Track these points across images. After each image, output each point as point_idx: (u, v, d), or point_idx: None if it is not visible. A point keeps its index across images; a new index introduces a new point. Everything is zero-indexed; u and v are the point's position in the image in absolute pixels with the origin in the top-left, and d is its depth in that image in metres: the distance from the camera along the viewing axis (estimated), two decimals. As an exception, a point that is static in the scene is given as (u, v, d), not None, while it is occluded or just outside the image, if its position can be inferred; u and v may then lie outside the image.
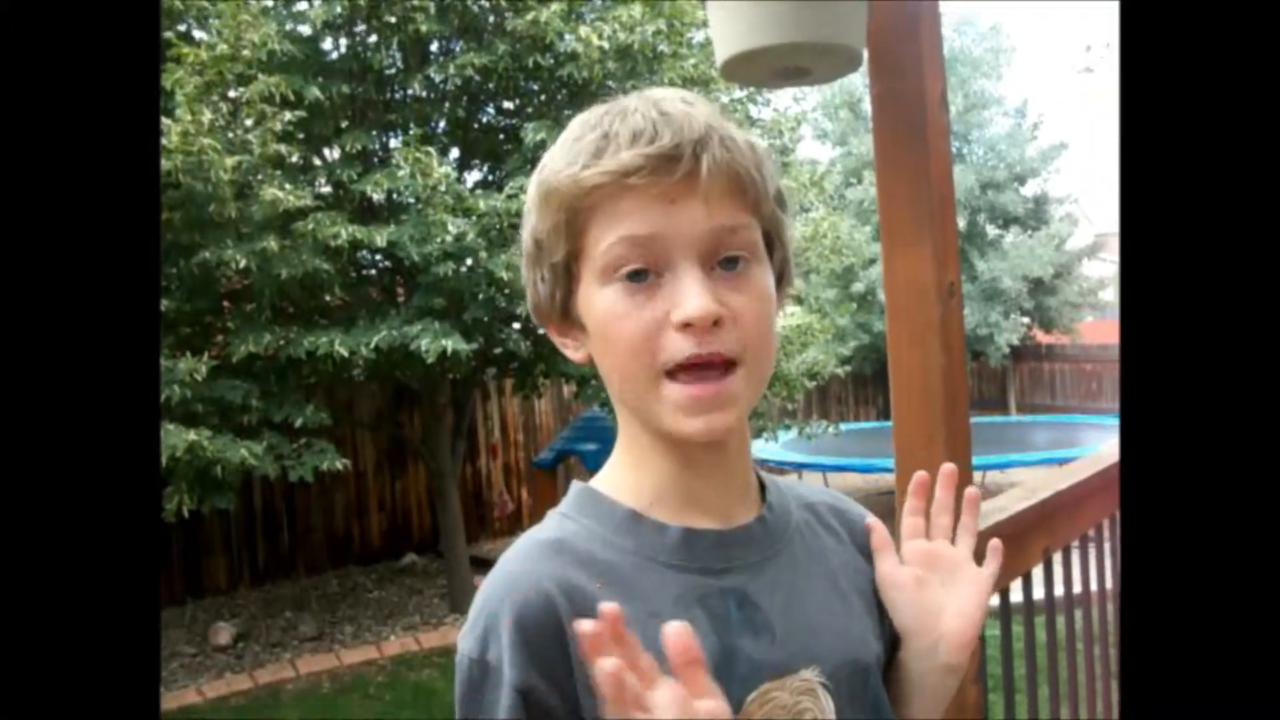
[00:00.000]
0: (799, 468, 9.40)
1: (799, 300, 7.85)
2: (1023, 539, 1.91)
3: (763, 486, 0.98)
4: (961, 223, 13.46)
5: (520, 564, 0.87)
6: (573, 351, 0.93)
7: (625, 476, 0.94)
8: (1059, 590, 2.19)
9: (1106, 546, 2.45)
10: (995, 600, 1.89)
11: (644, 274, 0.84)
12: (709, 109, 0.87)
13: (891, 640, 1.01)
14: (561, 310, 0.91)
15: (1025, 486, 2.09)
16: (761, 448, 9.68)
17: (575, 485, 0.97)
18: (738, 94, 7.35)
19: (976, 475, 7.34)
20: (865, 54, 1.53)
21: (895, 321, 1.61)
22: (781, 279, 0.93)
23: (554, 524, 0.92)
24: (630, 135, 0.83)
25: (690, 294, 0.83)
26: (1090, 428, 10.89)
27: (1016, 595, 1.97)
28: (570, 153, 0.86)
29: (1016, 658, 2.02)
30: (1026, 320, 14.14)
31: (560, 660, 0.81)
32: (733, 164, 0.85)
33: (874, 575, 1.01)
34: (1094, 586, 2.39)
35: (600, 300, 0.86)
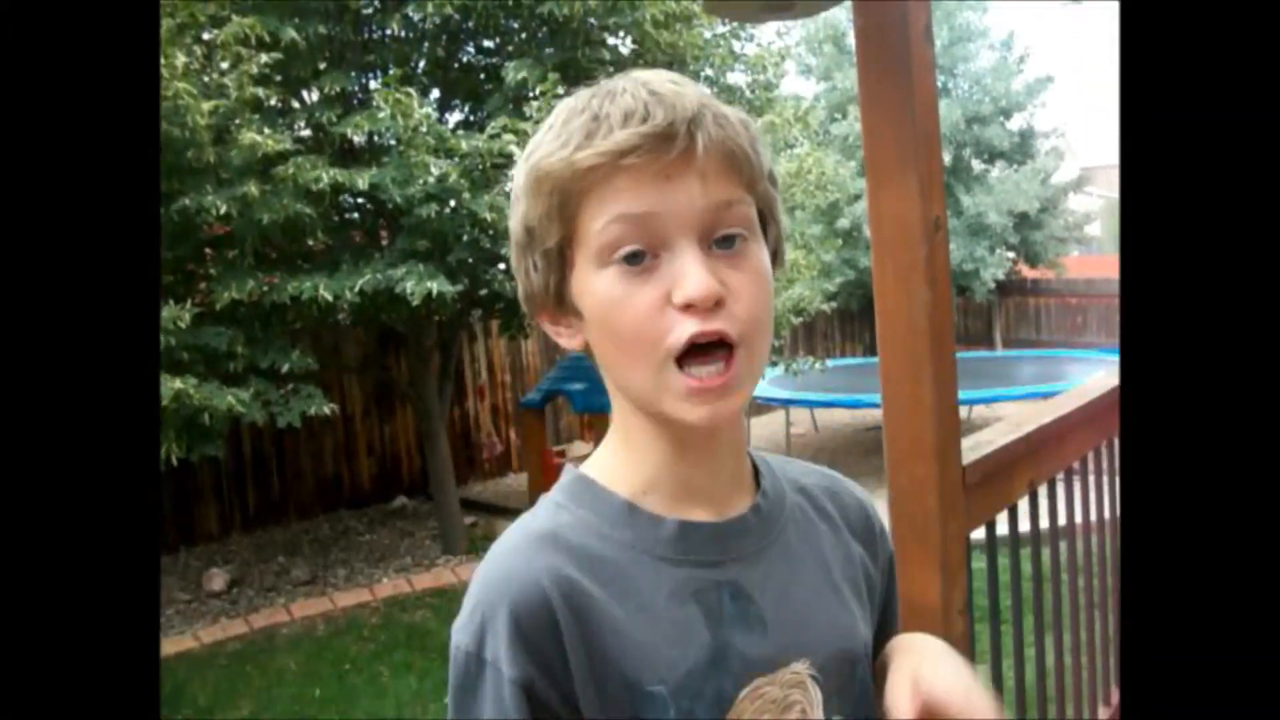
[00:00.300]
0: (786, 403, 9.44)
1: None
2: (1008, 472, 1.92)
3: (756, 471, 0.97)
4: (947, 158, 13.39)
5: (514, 558, 0.86)
6: (567, 339, 0.91)
7: (619, 463, 0.92)
8: (1044, 523, 2.21)
9: (1091, 480, 2.48)
10: (982, 532, 1.92)
11: (641, 255, 0.82)
12: (697, 89, 0.86)
13: (878, 627, 1.01)
14: (555, 297, 0.89)
15: (1010, 420, 2.10)
16: (748, 385, 9.71)
17: (569, 471, 0.95)
18: (721, 29, 7.27)
19: (963, 410, 7.39)
20: (848, -13, 1.51)
21: (880, 257, 1.61)
22: (776, 257, 0.91)
23: (548, 514, 0.91)
24: (622, 115, 0.82)
25: (691, 274, 0.81)
26: (1075, 362, 10.93)
27: (1003, 528, 1.99)
28: (560, 136, 0.84)
29: (1003, 590, 2.05)
30: (1012, 255, 14.13)
31: (557, 655, 0.81)
32: (727, 141, 0.84)
33: (865, 560, 1.00)
34: (1079, 519, 2.42)
35: (598, 284, 0.84)
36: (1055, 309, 14.59)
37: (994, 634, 2.03)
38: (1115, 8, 0.85)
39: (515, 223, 0.89)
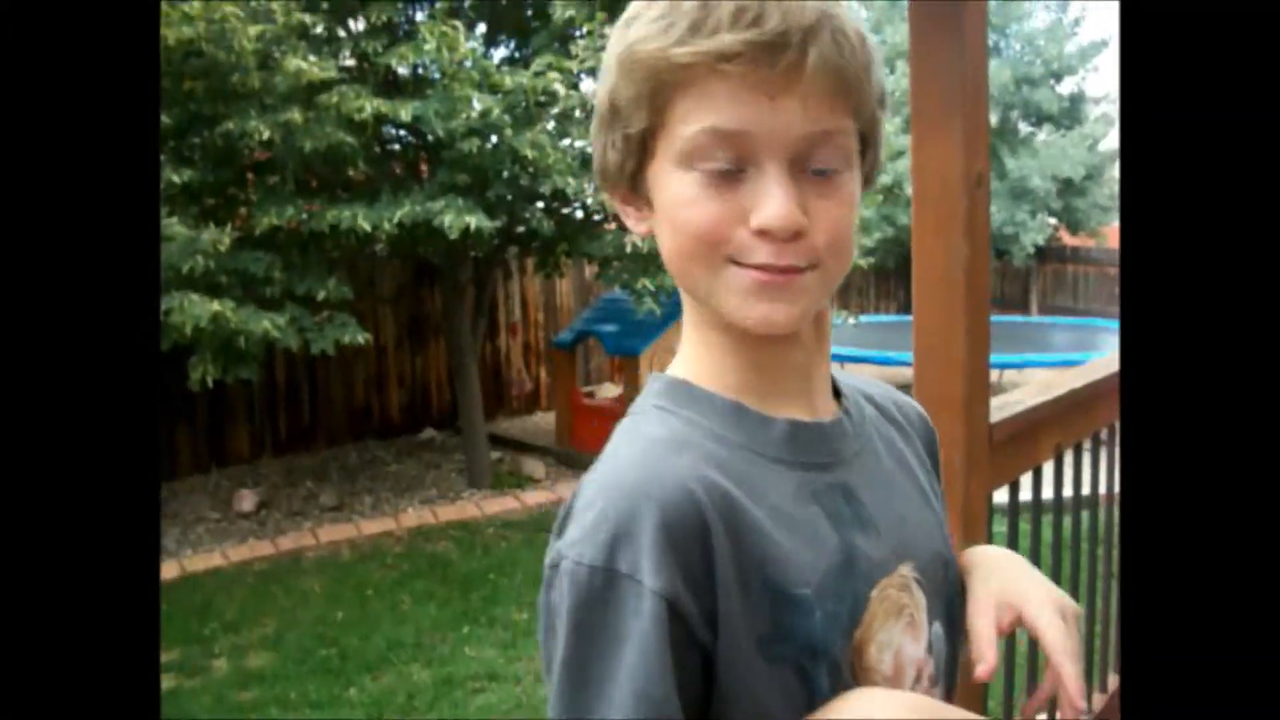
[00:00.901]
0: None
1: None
2: (1035, 433, 1.93)
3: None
4: (994, 119, 13.21)
5: (650, 461, 0.78)
6: (635, 222, 0.87)
7: (705, 367, 0.87)
8: (1068, 490, 2.22)
9: (1118, 451, 2.48)
10: (1005, 495, 1.93)
11: (726, 170, 0.78)
12: None
13: None
14: (630, 180, 0.85)
15: (1040, 383, 2.10)
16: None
17: (658, 376, 0.89)
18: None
19: (993, 373, 7.34)
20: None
21: (920, 211, 1.60)
22: (868, 180, 0.87)
23: (659, 419, 0.84)
24: (732, 12, 0.74)
25: (773, 199, 0.77)
26: (1111, 332, 10.83)
27: (1025, 493, 2.00)
28: (664, 19, 0.77)
29: (1023, 554, 2.06)
30: (1054, 221, 13.96)
31: (702, 565, 0.74)
32: (840, 63, 0.77)
33: (930, 466, 1.00)
34: (1103, 489, 2.42)
35: (676, 184, 0.80)
36: (1094, 277, 14.43)
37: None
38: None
39: (602, 93, 0.83)
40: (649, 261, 6.14)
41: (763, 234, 0.77)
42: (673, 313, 7.34)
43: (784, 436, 0.84)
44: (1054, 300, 14.64)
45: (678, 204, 0.80)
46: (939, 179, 1.57)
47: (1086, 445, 2.31)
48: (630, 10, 0.81)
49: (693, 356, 0.88)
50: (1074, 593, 2.31)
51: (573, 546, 0.75)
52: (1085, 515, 2.49)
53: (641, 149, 0.82)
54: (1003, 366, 8.54)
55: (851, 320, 8.69)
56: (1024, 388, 2.01)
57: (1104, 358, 2.54)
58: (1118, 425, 2.43)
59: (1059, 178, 13.07)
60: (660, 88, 0.78)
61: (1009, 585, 0.95)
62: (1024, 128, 13.68)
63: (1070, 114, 13.89)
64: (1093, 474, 2.46)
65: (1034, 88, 13.41)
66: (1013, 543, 2.04)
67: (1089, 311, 13.63)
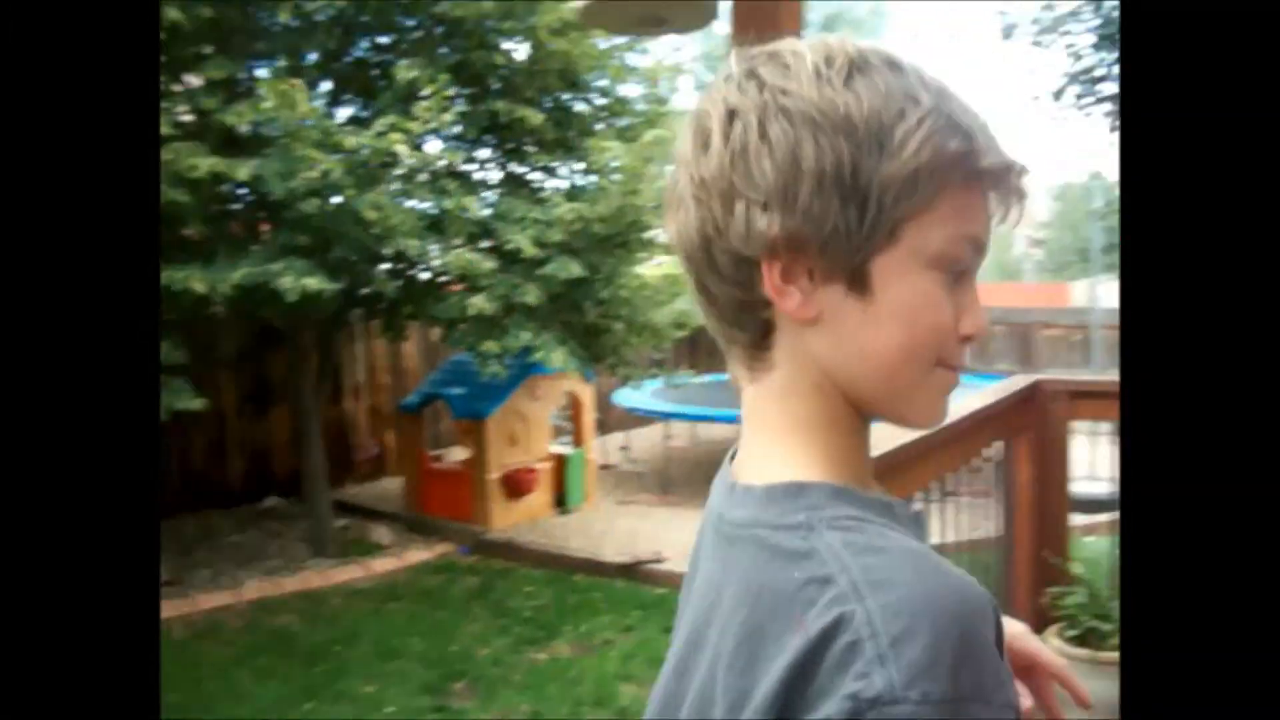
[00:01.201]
0: (667, 417, 9.49)
1: (669, 250, 7.88)
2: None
3: None
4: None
5: (943, 578, 0.72)
6: (799, 302, 0.79)
7: (829, 467, 0.81)
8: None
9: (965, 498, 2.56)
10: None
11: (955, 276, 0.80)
12: None
13: None
14: (849, 265, 0.78)
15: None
16: (629, 396, 9.74)
17: (815, 485, 0.80)
18: (617, 40, 7.30)
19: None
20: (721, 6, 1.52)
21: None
22: None
23: (875, 531, 0.76)
24: (984, 131, 0.79)
25: (979, 307, 0.81)
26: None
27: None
28: (951, 116, 0.77)
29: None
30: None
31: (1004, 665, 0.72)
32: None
33: None
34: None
35: (922, 282, 0.78)
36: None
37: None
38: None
39: (826, 153, 0.76)
40: (493, 325, 6.11)
41: (966, 339, 0.80)
42: (520, 375, 7.30)
43: (911, 520, 0.82)
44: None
45: (922, 303, 0.78)
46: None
47: (921, 497, 2.37)
48: (854, 60, 0.78)
49: (807, 461, 0.82)
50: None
51: (909, 686, 0.66)
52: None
53: (890, 235, 0.77)
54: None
55: (699, 380, 8.79)
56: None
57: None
58: (947, 478, 2.49)
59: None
60: (943, 184, 0.77)
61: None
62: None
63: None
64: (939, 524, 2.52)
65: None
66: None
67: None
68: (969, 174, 0.77)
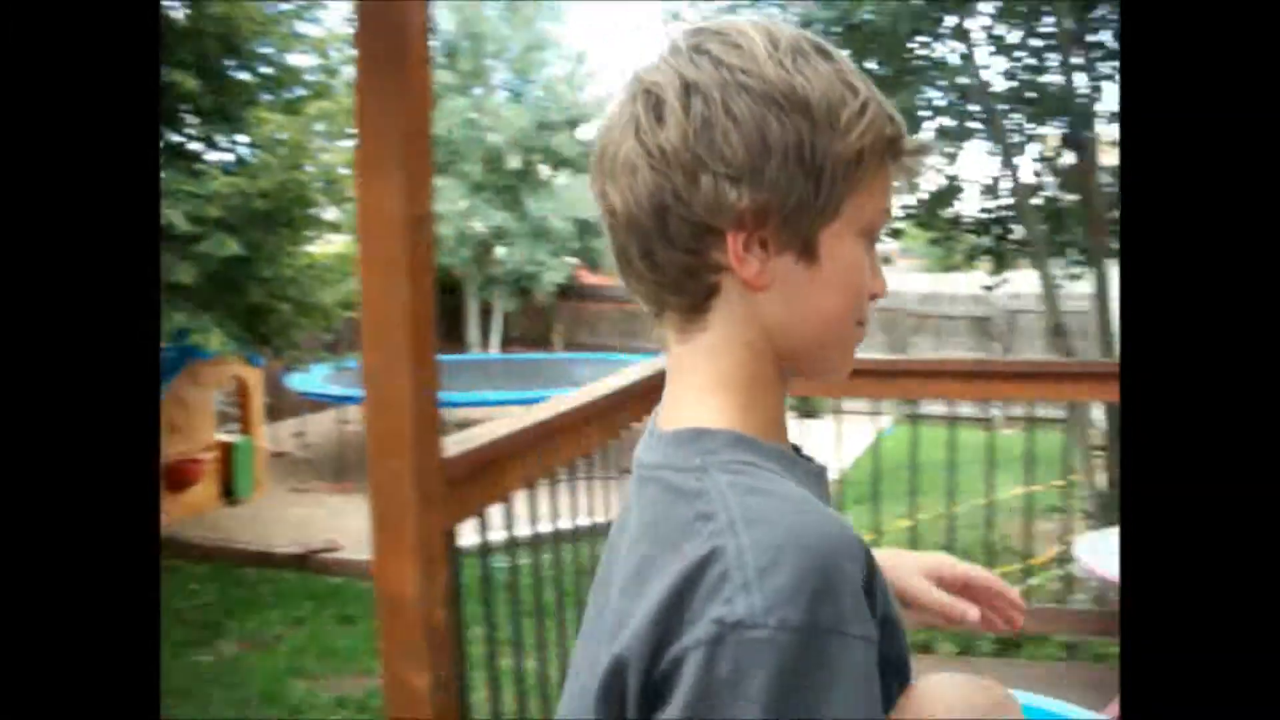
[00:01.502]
0: (339, 401, 9.24)
1: (336, 229, 7.65)
2: (498, 467, 1.98)
3: None
4: (516, 162, 13.71)
5: (810, 515, 0.78)
6: (755, 269, 0.86)
7: (738, 415, 0.88)
8: (546, 524, 2.29)
9: (598, 479, 2.62)
10: (475, 525, 1.96)
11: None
12: None
13: None
14: (803, 234, 0.86)
15: (511, 418, 2.16)
16: (303, 381, 9.40)
17: (716, 432, 0.86)
18: (285, 6, 7.00)
19: (479, 411, 7.47)
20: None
21: (367, 252, 1.59)
22: None
23: (765, 477, 0.83)
24: (886, 105, 0.87)
25: (881, 271, 0.92)
26: (589, 365, 11.04)
27: (497, 530, 2.04)
28: (869, 99, 0.85)
29: (500, 588, 2.10)
30: (574, 260, 14.70)
31: (869, 605, 0.77)
32: None
33: None
34: (579, 521, 2.55)
35: (854, 251, 0.88)
36: (614, 314, 15.34)
37: (488, 630, 2.08)
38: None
39: (791, 131, 0.82)
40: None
41: (874, 298, 0.91)
42: (179, 360, 6.89)
43: (818, 477, 0.92)
44: (576, 336, 15.39)
45: (856, 269, 0.88)
46: (382, 221, 1.56)
47: (566, 474, 2.41)
48: (794, 45, 0.85)
49: (724, 407, 0.88)
50: (556, 623, 2.41)
51: (769, 613, 0.71)
52: (570, 548, 2.61)
53: (835, 209, 0.85)
54: (517, 403, 8.55)
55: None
56: (489, 424, 2.04)
57: (582, 390, 2.65)
58: (596, 455, 2.56)
59: (578, 220, 13.78)
60: (876, 163, 0.86)
61: (904, 562, 1.09)
62: (544, 171, 14.30)
63: (588, 158, 14.64)
64: (573, 504, 2.57)
65: (553, 133, 14.06)
66: (485, 575, 2.07)
67: (607, 346, 14.45)
68: (895, 154, 0.87)
